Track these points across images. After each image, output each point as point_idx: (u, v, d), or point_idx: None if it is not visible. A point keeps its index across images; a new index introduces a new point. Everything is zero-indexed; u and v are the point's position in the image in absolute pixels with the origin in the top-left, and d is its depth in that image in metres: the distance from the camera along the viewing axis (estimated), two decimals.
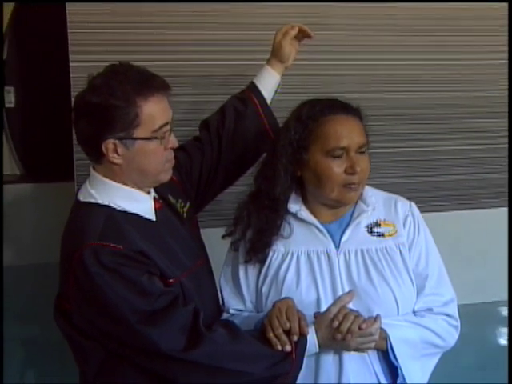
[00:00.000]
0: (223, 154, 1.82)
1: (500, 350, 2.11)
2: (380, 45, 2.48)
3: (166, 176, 1.56)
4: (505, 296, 2.29)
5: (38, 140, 3.82)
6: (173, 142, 1.53)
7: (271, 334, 1.48)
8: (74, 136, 1.54)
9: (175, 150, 1.56)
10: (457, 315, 1.66)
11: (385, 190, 1.74)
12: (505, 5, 2.53)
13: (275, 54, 1.86)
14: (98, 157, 1.49)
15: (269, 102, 1.88)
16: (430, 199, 2.59)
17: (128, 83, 1.44)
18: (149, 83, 1.47)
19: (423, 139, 2.58)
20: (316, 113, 1.59)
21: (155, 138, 1.48)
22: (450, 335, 1.64)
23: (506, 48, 2.57)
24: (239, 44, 2.33)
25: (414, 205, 1.70)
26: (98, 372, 1.52)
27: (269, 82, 1.87)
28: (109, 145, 1.45)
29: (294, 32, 1.84)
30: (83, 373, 1.58)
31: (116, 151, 1.46)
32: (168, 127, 1.50)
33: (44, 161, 3.71)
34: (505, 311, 2.40)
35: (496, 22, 2.57)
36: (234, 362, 1.46)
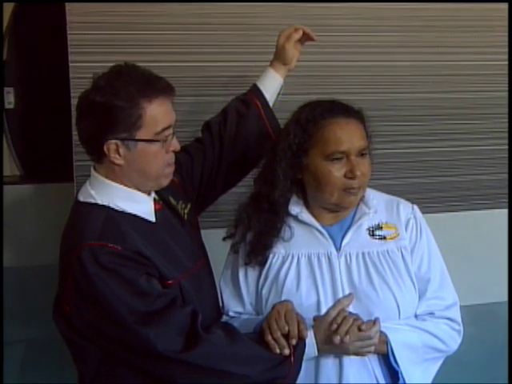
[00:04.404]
0: (225, 155, 1.82)
1: (501, 351, 2.10)
2: (376, 46, 2.48)
3: (166, 180, 1.56)
4: (505, 297, 2.29)
5: (37, 141, 3.83)
6: (175, 145, 1.52)
7: (269, 338, 1.47)
8: (74, 137, 1.53)
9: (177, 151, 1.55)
10: (459, 319, 1.64)
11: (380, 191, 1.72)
12: (502, 6, 2.54)
13: (278, 57, 1.86)
14: (99, 157, 1.49)
15: (271, 104, 1.88)
16: (428, 200, 2.59)
17: (132, 84, 1.44)
18: (153, 85, 1.46)
19: (416, 141, 2.58)
20: (316, 116, 1.57)
21: (157, 140, 1.47)
22: (453, 339, 1.63)
23: (501, 50, 2.59)
24: (241, 45, 2.34)
25: (416, 207, 1.68)
26: (95, 373, 1.52)
27: (271, 85, 1.87)
28: (110, 145, 1.45)
29: (297, 36, 1.84)
30: (81, 374, 1.57)
31: (118, 152, 1.46)
32: (170, 130, 1.50)
33: (44, 161, 3.71)
34: (505, 312, 2.39)
35: (493, 23, 2.59)
36: (232, 364, 1.45)
